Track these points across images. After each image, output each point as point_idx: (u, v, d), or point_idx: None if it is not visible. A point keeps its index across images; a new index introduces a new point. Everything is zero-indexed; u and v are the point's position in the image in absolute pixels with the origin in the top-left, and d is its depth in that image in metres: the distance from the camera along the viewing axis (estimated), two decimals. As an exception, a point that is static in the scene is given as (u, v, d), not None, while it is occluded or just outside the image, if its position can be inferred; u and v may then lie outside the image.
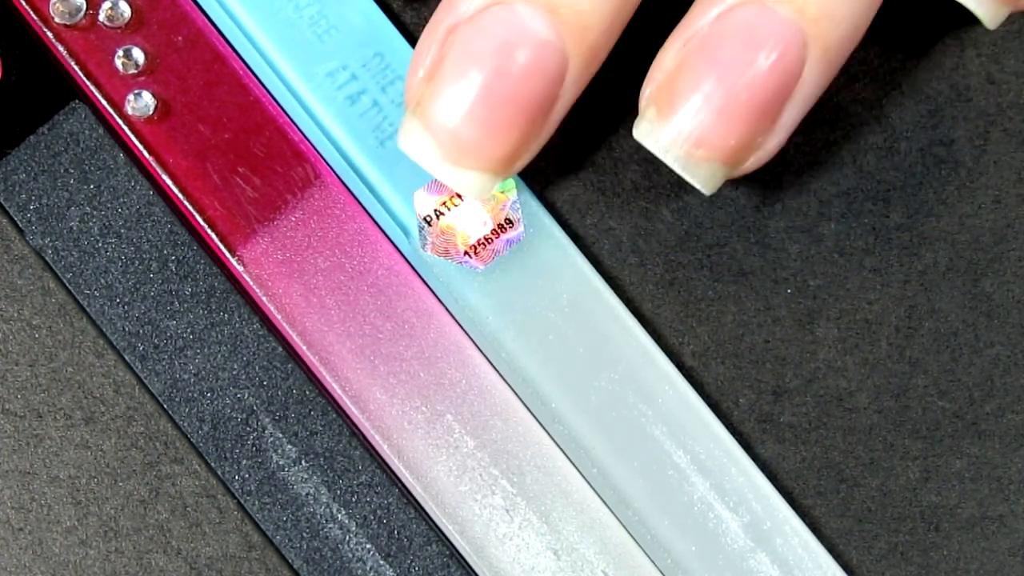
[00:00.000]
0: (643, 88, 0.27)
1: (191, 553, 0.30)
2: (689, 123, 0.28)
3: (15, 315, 0.30)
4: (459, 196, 0.31)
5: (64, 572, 0.30)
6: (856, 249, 0.31)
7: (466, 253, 0.31)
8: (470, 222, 0.31)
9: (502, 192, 0.30)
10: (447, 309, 0.30)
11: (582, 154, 0.31)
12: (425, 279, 0.30)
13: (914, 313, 0.31)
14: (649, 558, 0.29)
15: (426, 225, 0.31)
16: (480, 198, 0.29)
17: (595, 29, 0.28)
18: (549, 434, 0.30)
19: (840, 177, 0.31)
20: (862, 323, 0.31)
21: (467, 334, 0.30)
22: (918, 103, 0.31)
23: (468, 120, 0.27)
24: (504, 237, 0.31)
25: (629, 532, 0.30)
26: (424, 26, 0.29)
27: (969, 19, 0.31)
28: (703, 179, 0.28)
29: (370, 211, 0.31)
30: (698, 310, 0.30)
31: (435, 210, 0.31)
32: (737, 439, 0.30)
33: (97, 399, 0.31)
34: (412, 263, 0.30)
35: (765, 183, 0.31)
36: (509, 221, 0.31)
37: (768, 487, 0.30)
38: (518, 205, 0.31)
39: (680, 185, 0.31)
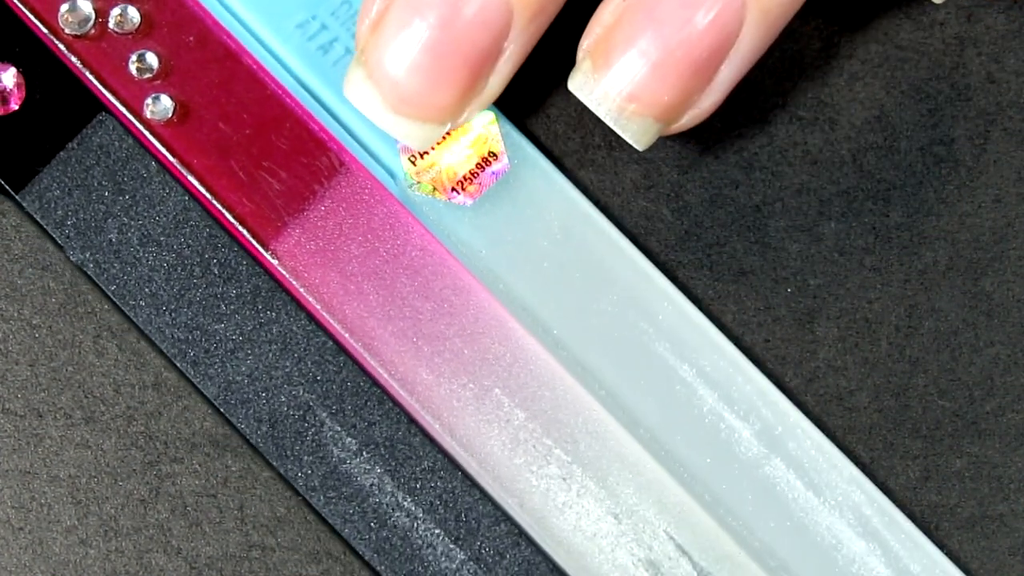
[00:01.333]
0: (581, 41, 0.29)
1: (191, 552, 0.31)
2: (623, 78, 0.29)
3: (15, 315, 0.31)
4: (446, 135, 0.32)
5: (64, 571, 0.31)
6: (856, 248, 0.31)
7: (454, 189, 0.32)
8: (455, 158, 0.32)
9: (484, 127, 0.31)
10: (464, 266, 0.31)
11: (581, 153, 0.32)
12: (419, 219, 0.31)
13: (914, 312, 0.32)
14: (709, 515, 0.31)
15: (411, 165, 0.32)
16: (421, 148, 0.30)
17: None
18: (589, 392, 0.31)
19: (840, 177, 0.31)
20: (862, 322, 0.32)
21: (492, 293, 0.31)
22: (918, 103, 0.32)
23: (411, 70, 0.28)
24: (489, 170, 0.32)
25: (673, 477, 0.32)
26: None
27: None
28: (635, 134, 0.28)
29: (355, 155, 0.31)
30: (698, 310, 0.31)
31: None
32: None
33: (97, 399, 0.32)
34: (404, 204, 0.31)
35: (766, 183, 0.32)
36: (493, 154, 0.32)
37: (776, 393, 0.31)
38: (499, 137, 0.32)
39: (680, 185, 0.32)
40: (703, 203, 0.32)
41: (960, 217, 0.31)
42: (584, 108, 0.31)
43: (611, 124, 0.29)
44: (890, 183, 0.32)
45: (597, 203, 0.33)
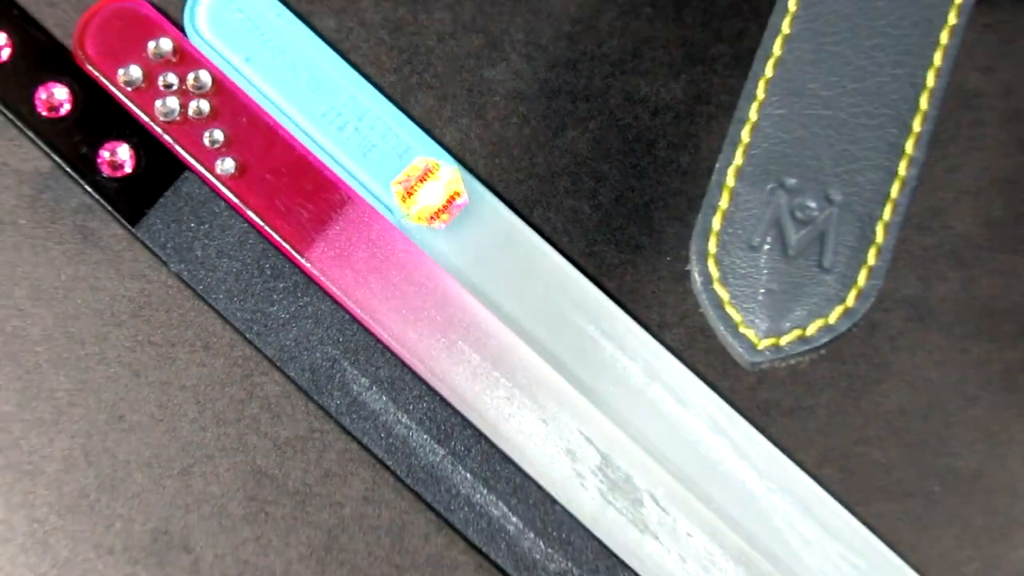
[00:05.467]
0: None
1: (273, 434, 0.38)
2: None
3: (132, 310, 0.38)
4: (420, 181, 0.36)
5: (189, 448, 0.38)
6: None
7: (431, 218, 0.37)
8: (432, 199, 0.37)
9: (451, 175, 0.37)
10: (443, 268, 0.37)
11: (517, 186, 0.38)
12: (407, 236, 0.37)
13: None
14: (609, 420, 0.36)
15: (402, 203, 0.37)
16: None
17: None
18: (524, 342, 0.36)
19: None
20: None
21: (455, 279, 0.37)
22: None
23: None
24: (455, 204, 0.37)
25: (586, 397, 0.36)
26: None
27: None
28: None
29: (360, 193, 0.37)
30: (597, 287, 0.37)
31: (406, 192, 0.37)
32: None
33: (211, 333, 0.38)
34: (395, 224, 0.37)
35: (655, 183, 0.38)
36: (457, 193, 0.37)
37: (655, 343, 0.36)
38: (461, 182, 0.37)
39: (595, 189, 0.38)
40: (610, 202, 0.38)
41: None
42: (519, 159, 0.37)
43: None
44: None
45: (529, 218, 0.38)
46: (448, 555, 0.37)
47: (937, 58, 0.32)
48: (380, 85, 0.38)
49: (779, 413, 0.38)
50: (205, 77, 0.38)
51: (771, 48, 0.32)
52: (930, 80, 0.31)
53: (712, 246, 0.31)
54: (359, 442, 0.37)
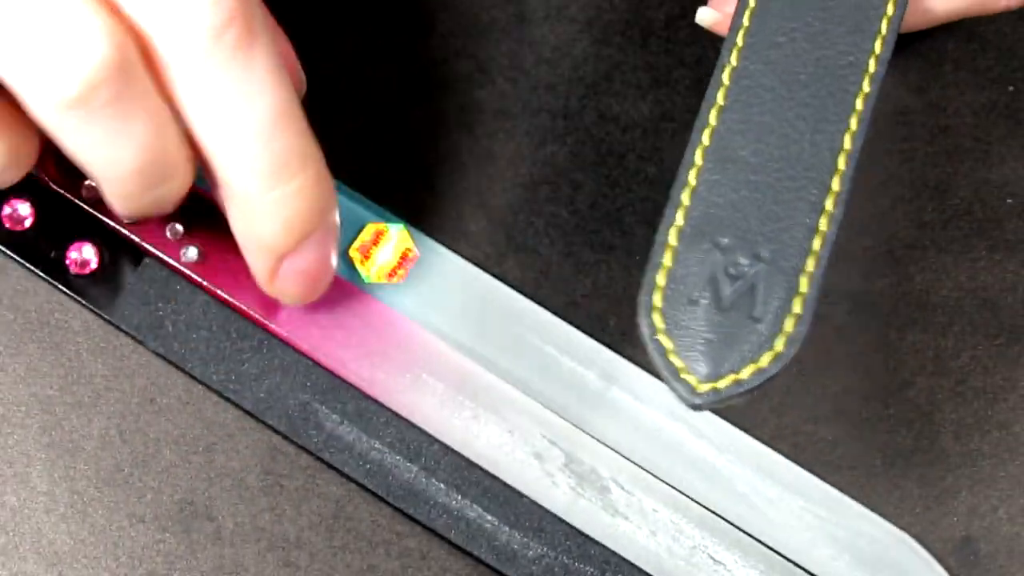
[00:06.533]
0: None
1: (252, 457, 0.40)
2: None
3: (116, 383, 0.39)
4: (374, 244, 0.38)
5: (212, 427, 0.39)
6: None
7: (389, 276, 0.39)
8: (387, 257, 0.39)
9: (399, 235, 0.38)
10: (400, 314, 0.38)
11: (461, 236, 0.40)
12: (367, 293, 0.39)
13: None
14: (570, 424, 0.38)
15: (362, 266, 0.39)
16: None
17: None
18: (485, 368, 0.38)
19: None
20: None
21: (414, 322, 0.38)
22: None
23: None
24: (408, 260, 0.39)
25: (548, 408, 0.38)
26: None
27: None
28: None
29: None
30: (546, 309, 0.39)
31: (363, 256, 0.38)
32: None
33: (177, 412, 0.39)
34: (353, 283, 0.38)
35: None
36: (409, 250, 0.39)
37: (609, 352, 0.38)
38: (411, 240, 0.39)
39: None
40: (586, 208, 0.40)
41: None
42: (505, 170, 0.40)
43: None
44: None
45: (475, 260, 0.40)
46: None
47: (853, 123, 0.33)
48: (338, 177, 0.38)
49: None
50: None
51: (707, 118, 0.34)
52: (847, 143, 0.33)
53: (658, 300, 0.32)
54: (338, 470, 0.39)
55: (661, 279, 0.33)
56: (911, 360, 0.41)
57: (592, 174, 0.41)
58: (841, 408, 0.40)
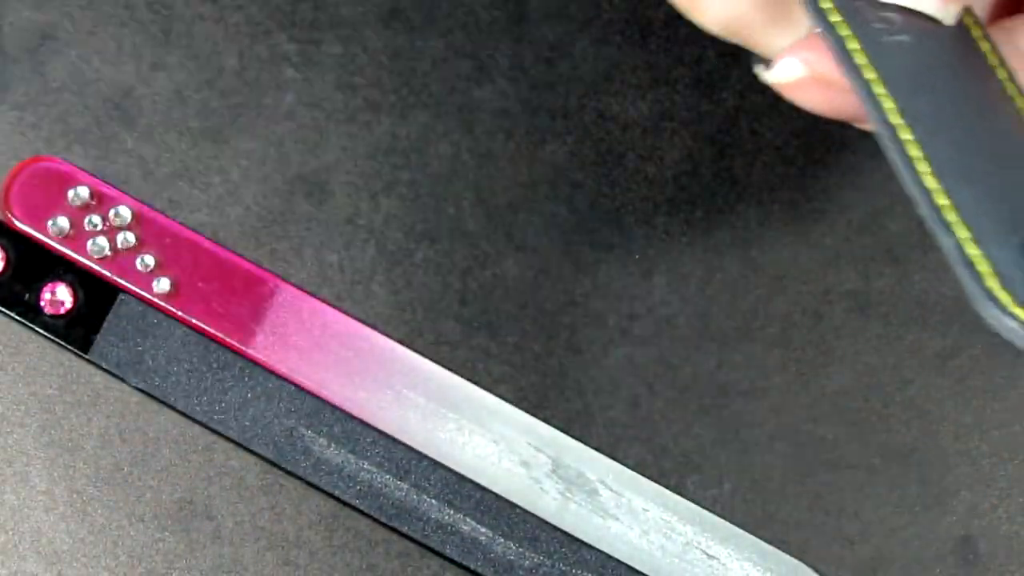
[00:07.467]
0: None
1: (248, 490, 0.39)
2: None
3: (102, 418, 0.39)
4: None
5: None
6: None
7: None
8: None
9: None
10: (374, 331, 0.39)
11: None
12: (334, 306, 0.39)
13: (628, 307, 0.39)
14: (553, 429, 0.39)
15: None
16: None
17: None
18: (466, 385, 0.39)
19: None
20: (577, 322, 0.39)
21: (397, 343, 0.39)
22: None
23: None
24: None
25: (527, 422, 0.39)
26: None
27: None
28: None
29: (286, 283, 0.39)
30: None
31: None
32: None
33: (164, 440, 0.39)
34: (318, 298, 0.39)
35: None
36: None
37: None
38: None
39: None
40: (586, 207, 0.41)
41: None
42: (505, 169, 0.39)
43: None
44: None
45: (474, 259, 0.40)
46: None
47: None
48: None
49: (736, 394, 0.40)
50: (125, 211, 0.39)
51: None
52: None
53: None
54: (327, 493, 0.39)
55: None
56: (910, 359, 0.41)
57: (591, 173, 0.41)
58: (840, 407, 0.40)
